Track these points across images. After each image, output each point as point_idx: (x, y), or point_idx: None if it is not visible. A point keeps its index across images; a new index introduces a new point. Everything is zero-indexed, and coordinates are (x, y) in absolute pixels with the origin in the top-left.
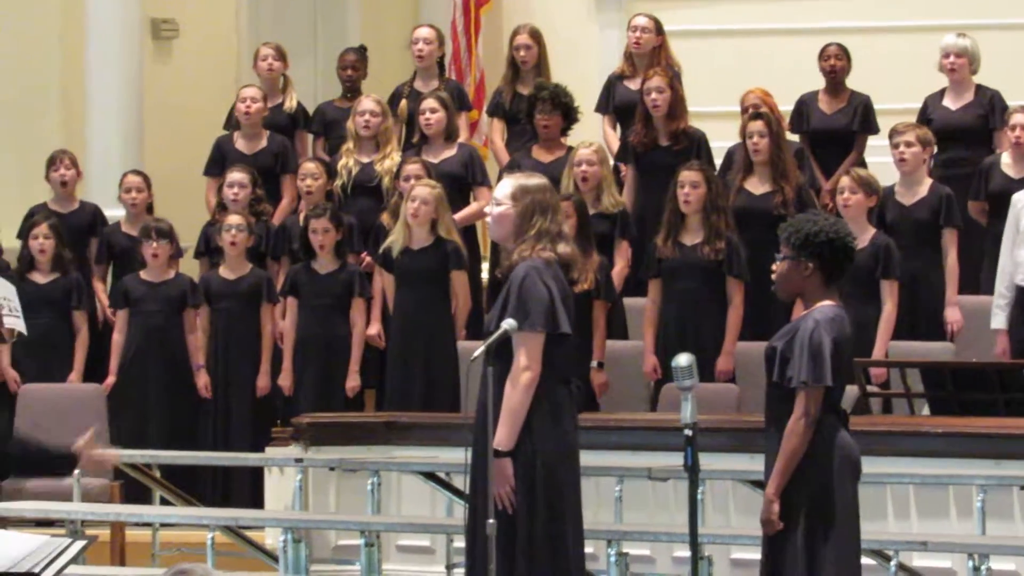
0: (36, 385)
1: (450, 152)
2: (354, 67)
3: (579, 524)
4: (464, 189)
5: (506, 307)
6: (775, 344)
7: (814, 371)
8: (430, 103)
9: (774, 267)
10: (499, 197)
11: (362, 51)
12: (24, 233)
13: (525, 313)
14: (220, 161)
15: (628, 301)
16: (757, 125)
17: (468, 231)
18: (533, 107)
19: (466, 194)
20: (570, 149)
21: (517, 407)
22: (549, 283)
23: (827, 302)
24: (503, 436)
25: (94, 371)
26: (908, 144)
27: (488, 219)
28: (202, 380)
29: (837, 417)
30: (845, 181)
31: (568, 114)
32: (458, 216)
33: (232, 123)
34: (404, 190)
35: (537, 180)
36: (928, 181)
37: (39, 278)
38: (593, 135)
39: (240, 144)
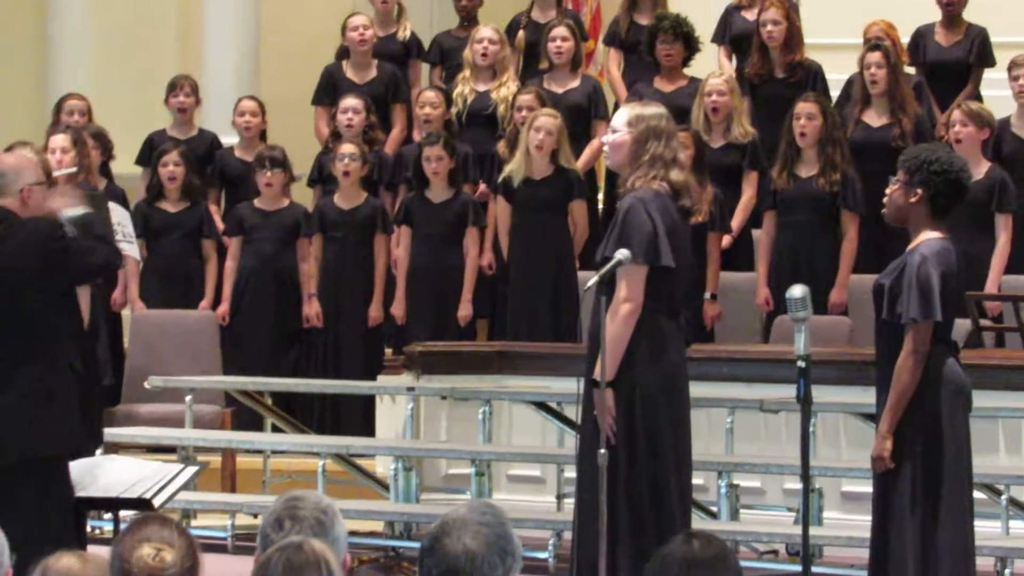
0: (150, 312)
1: (574, 83)
2: None
3: (683, 456)
4: (585, 121)
5: (610, 238)
6: (883, 280)
7: (923, 307)
8: (561, 31)
9: (887, 190)
10: (616, 125)
11: None
12: (153, 161)
13: (627, 245)
14: (330, 90)
15: (756, 233)
16: (875, 56)
17: None
18: (654, 37)
19: (587, 126)
20: (691, 80)
21: (617, 339)
22: (654, 214)
23: (934, 234)
24: (603, 368)
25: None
26: None
27: (605, 147)
28: (313, 309)
29: (948, 349)
30: (956, 115)
31: (689, 44)
32: (581, 161)
33: (343, 52)
34: (519, 120)
35: (654, 108)
36: None
37: (168, 206)
38: (710, 65)
39: (350, 73)
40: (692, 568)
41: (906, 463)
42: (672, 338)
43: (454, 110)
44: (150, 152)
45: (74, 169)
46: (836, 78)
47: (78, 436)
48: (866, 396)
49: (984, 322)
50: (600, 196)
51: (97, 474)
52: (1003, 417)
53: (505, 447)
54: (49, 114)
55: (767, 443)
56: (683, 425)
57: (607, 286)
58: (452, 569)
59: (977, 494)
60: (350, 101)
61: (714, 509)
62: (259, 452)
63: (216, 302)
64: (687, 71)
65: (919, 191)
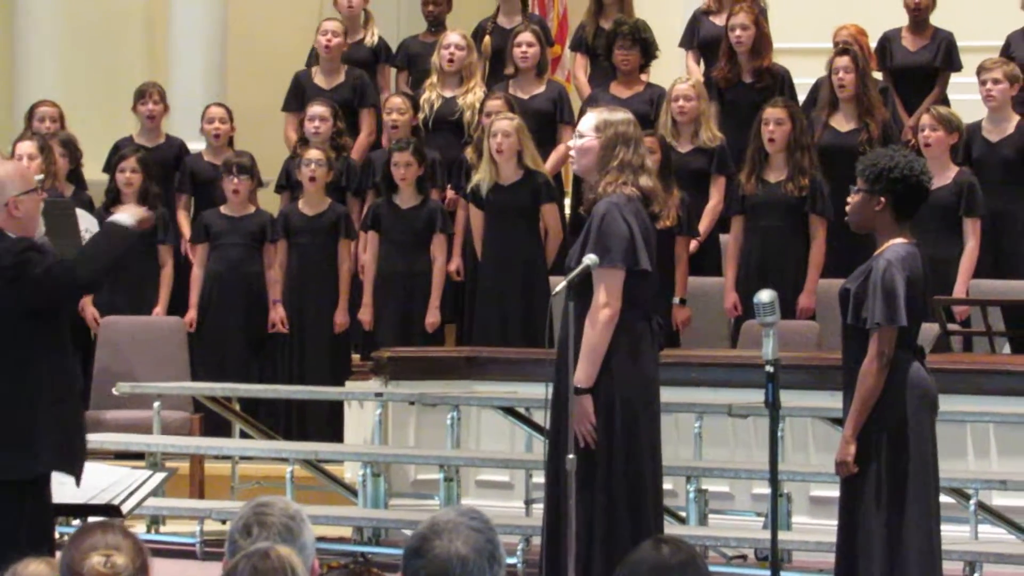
0: (117, 318)
1: (539, 88)
2: (435, 2)
3: (657, 461)
4: (551, 126)
5: (586, 243)
6: (849, 285)
7: (888, 312)
8: (527, 37)
9: (849, 199)
10: (583, 130)
11: None
12: (112, 167)
13: (605, 249)
14: (299, 96)
15: (724, 237)
16: (843, 61)
17: None
18: (612, 42)
19: (553, 131)
20: (648, 85)
21: (596, 344)
22: (629, 219)
23: (899, 240)
24: (583, 373)
25: (174, 304)
26: (995, 81)
27: (572, 153)
28: (278, 314)
29: (913, 354)
30: (925, 119)
31: (647, 50)
32: (548, 166)
33: (313, 58)
34: (487, 125)
35: (621, 114)
36: (1015, 118)
37: None
38: (677, 71)
39: (319, 79)
40: (661, 574)
41: (872, 468)
42: (648, 342)
43: (421, 116)
44: None
45: (40, 176)
46: (805, 82)
47: (47, 458)
48: (834, 401)
49: (952, 326)
50: (567, 201)
51: (65, 480)
52: (971, 421)
53: (474, 452)
54: (16, 122)
55: (735, 448)
56: (657, 430)
57: (575, 291)
58: (442, 572)
59: (946, 499)
60: (317, 108)
61: (683, 514)
62: (227, 458)
63: (173, 307)
64: (650, 77)
65: (882, 199)
